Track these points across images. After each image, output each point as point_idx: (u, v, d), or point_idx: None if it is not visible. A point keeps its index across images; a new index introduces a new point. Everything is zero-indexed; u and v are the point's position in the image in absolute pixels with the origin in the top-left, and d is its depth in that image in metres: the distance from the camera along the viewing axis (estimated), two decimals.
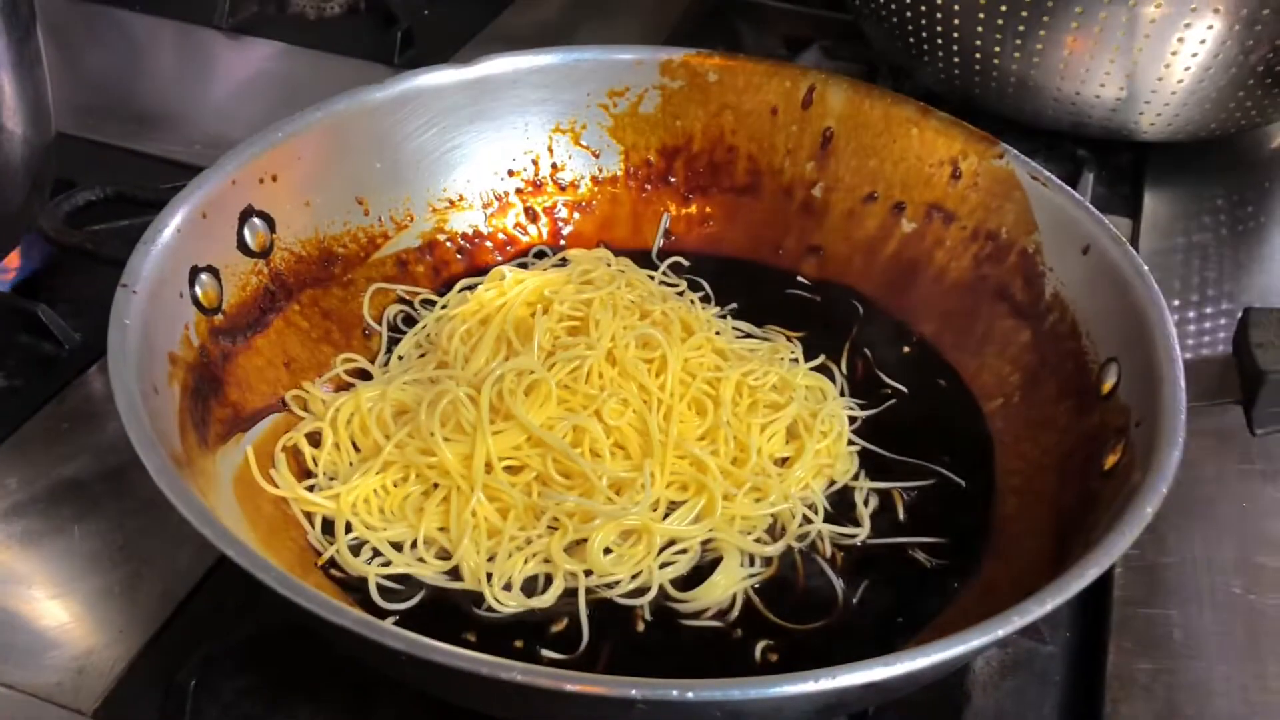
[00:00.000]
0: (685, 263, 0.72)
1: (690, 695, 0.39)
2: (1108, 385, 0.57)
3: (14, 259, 0.71)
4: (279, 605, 0.42)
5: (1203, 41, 0.73)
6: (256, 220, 0.61)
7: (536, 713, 0.45)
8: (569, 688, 0.39)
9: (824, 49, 0.96)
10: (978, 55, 0.79)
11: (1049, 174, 0.65)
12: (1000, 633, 0.43)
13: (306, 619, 0.42)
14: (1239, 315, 0.56)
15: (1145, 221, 0.82)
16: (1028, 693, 0.54)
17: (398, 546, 0.55)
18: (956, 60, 0.80)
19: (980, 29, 0.77)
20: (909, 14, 0.80)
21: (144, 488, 0.56)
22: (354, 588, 0.53)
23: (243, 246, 0.61)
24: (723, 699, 0.40)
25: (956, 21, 0.78)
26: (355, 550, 0.55)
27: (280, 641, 0.52)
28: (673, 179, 0.74)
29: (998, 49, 0.77)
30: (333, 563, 0.54)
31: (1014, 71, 0.78)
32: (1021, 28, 0.75)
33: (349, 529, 0.55)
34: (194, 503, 0.45)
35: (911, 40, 0.82)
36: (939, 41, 0.80)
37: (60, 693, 0.51)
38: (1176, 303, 0.75)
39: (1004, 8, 0.75)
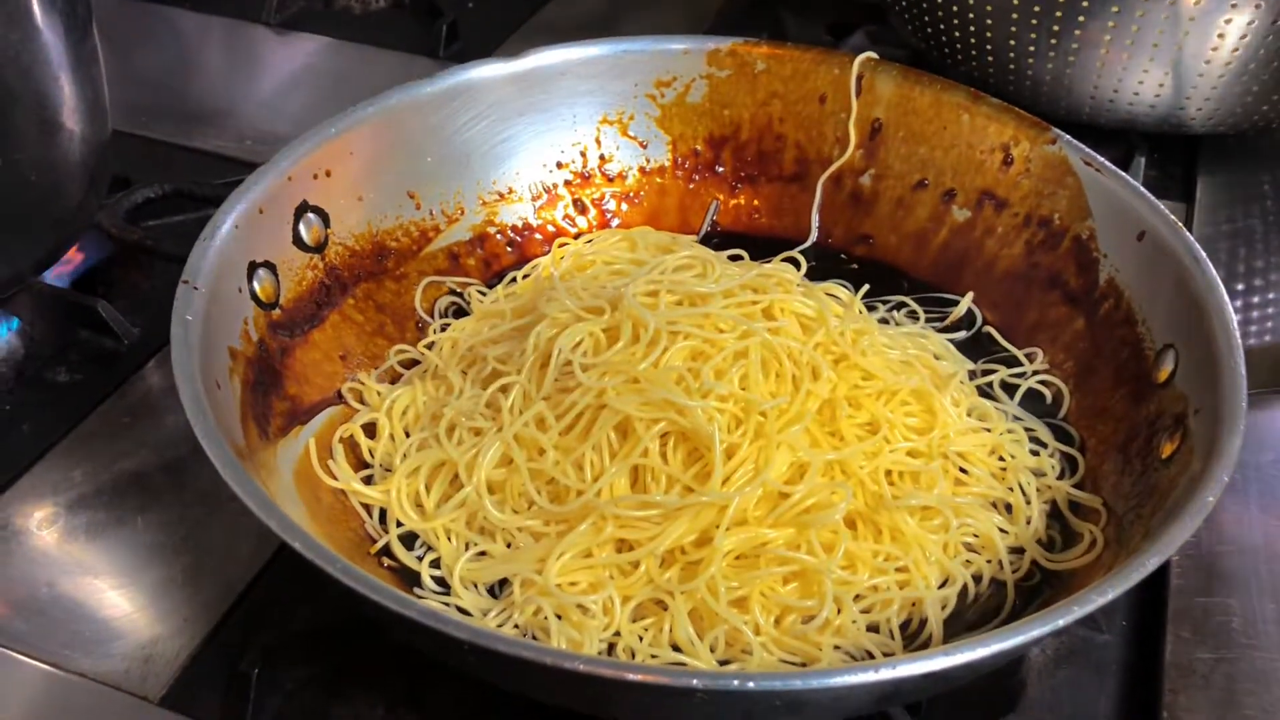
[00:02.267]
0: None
1: (751, 685, 0.40)
2: (1164, 373, 0.57)
3: (73, 253, 0.72)
4: (342, 595, 0.43)
5: (1244, 36, 0.72)
6: (311, 215, 0.62)
7: (598, 702, 0.45)
8: (631, 677, 0.39)
9: (869, 34, 0.95)
10: (1012, 55, 0.78)
11: (1102, 159, 0.64)
12: (1060, 622, 0.43)
13: (370, 608, 0.43)
14: None
15: (1198, 205, 0.81)
16: (1083, 682, 0.54)
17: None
18: (991, 59, 0.79)
19: (1014, 28, 0.76)
20: (940, 14, 0.79)
21: (204, 480, 0.58)
22: (410, 575, 0.54)
23: (298, 241, 0.62)
24: (783, 689, 0.40)
25: (989, 22, 0.77)
26: (408, 542, 0.55)
27: (340, 631, 0.53)
28: (720, 168, 0.74)
29: (1032, 48, 0.77)
30: (388, 551, 0.55)
31: (1049, 71, 0.77)
32: (1056, 27, 0.74)
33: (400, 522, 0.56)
34: (259, 495, 0.45)
35: (944, 39, 0.81)
36: (972, 41, 0.79)
37: (128, 680, 0.52)
38: (1238, 287, 0.74)
39: (1037, 8, 0.74)
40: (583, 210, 0.73)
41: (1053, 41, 0.76)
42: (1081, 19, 0.74)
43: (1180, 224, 0.60)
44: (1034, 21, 0.75)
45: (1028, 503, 0.57)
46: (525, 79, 0.70)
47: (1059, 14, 0.74)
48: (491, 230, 0.70)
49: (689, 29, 0.97)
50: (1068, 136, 0.65)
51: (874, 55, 0.70)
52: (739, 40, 0.72)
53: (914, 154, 0.70)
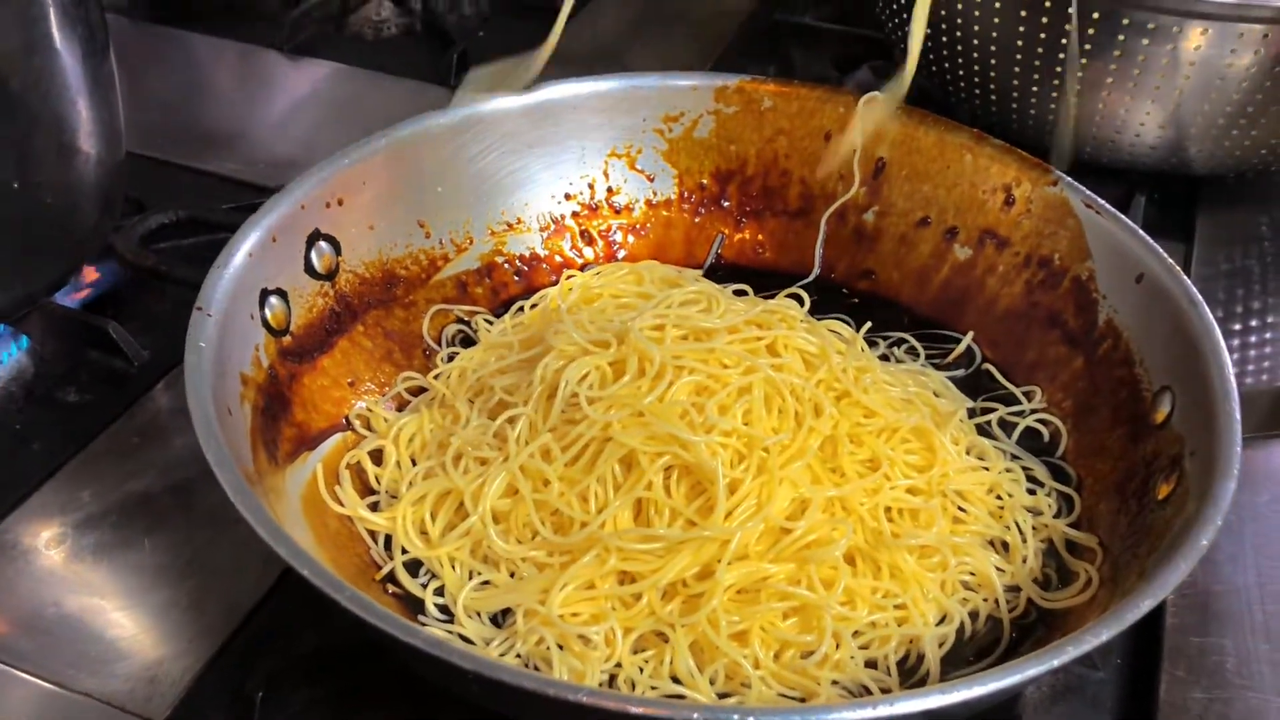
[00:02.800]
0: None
1: (751, 719, 0.40)
2: (1161, 414, 0.57)
3: (91, 275, 0.73)
4: (348, 621, 0.44)
5: (1243, 81, 0.73)
6: (323, 244, 0.63)
7: None
8: (633, 710, 0.40)
9: (874, 69, 0.96)
10: (1015, 95, 0.79)
11: (1103, 202, 0.65)
12: (1055, 662, 0.43)
13: (376, 636, 0.43)
14: None
15: (1197, 246, 0.82)
16: (1079, 719, 0.54)
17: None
18: (994, 99, 0.80)
19: (1017, 69, 0.77)
20: (945, 53, 0.81)
21: (211, 503, 0.58)
22: (414, 602, 0.55)
23: (310, 269, 0.62)
24: None
25: (993, 62, 0.78)
26: (413, 569, 0.56)
27: (345, 656, 0.53)
28: (726, 203, 0.75)
29: (1035, 89, 0.78)
30: (392, 578, 0.56)
31: (1052, 111, 0.78)
32: (1059, 69, 0.76)
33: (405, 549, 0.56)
34: (269, 521, 0.46)
35: (949, 78, 0.82)
36: (976, 80, 0.80)
37: (132, 701, 0.53)
38: (1235, 327, 0.74)
39: (1040, 49, 0.75)
40: (590, 241, 0.74)
41: (1055, 82, 0.77)
42: (1084, 61, 0.75)
43: (1178, 267, 0.60)
44: (1037, 63, 0.76)
45: (1024, 541, 0.58)
46: (535, 112, 0.71)
47: (1061, 55, 0.75)
48: (499, 260, 0.71)
49: (698, 61, 0.99)
50: (1069, 179, 0.66)
51: (879, 94, 0.71)
52: (746, 77, 0.73)
53: (917, 192, 0.71)
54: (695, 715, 0.40)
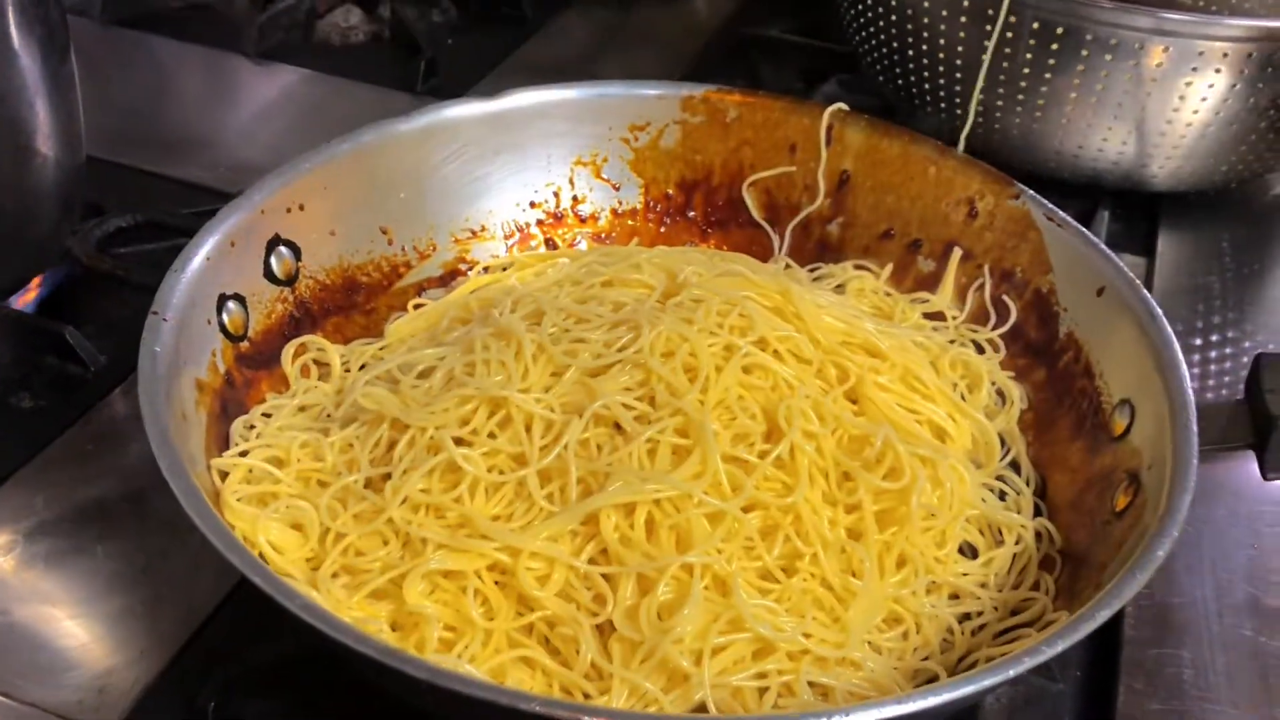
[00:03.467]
0: None
1: None
2: (1120, 426, 0.58)
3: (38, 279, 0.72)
4: (302, 630, 0.43)
5: (1204, 99, 0.74)
6: (283, 249, 0.63)
7: None
8: (586, 719, 0.40)
9: (842, 83, 0.97)
10: (980, 109, 0.79)
11: (1065, 215, 0.65)
12: (1011, 672, 0.43)
13: (329, 645, 0.43)
14: (1248, 358, 0.56)
15: (1159, 261, 0.83)
16: None
17: None
18: (959, 112, 0.80)
19: (981, 82, 0.78)
20: (911, 65, 0.81)
21: (166, 510, 0.57)
22: None
23: (269, 275, 0.62)
24: None
25: (959, 75, 0.78)
26: None
27: (299, 665, 0.53)
28: (692, 213, 0.75)
29: (1000, 103, 0.78)
30: None
31: (1016, 125, 0.79)
32: (1023, 83, 0.76)
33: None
34: (221, 529, 0.45)
35: (915, 91, 0.83)
36: (941, 94, 0.81)
37: (81, 711, 0.52)
38: (1195, 342, 0.75)
39: (1006, 64, 0.76)
40: (554, 249, 0.73)
41: (1020, 98, 0.77)
42: (1048, 76, 0.75)
43: (1138, 281, 0.61)
44: (1002, 77, 0.77)
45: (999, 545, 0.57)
46: (501, 119, 0.71)
47: (1025, 70, 0.76)
48: (463, 267, 0.71)
49: (666, 72, 0.99)
50: (1031, 192, 0.67)
51: (844, 106, 0.72)
52: (712, 88, 0.73)
53: (881, 204, 0.71)
54: None
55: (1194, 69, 0.72)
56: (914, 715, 0.42)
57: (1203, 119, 0.75)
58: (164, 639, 0.55)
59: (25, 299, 0.71)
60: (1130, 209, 0.86)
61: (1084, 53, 0.73)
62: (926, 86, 0.81)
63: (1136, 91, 0.74)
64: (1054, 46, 0.73)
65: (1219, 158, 0.79)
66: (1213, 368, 0.74)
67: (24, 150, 0.64)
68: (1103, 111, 0.76)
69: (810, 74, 0.99)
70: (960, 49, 0.77)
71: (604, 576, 0.50)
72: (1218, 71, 0.73)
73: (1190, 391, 0.54)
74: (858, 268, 0.72)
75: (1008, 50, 0.75)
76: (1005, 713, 0.54)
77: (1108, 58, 0.73)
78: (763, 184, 0.74)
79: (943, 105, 0.81)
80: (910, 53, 0.80)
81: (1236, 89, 0.73)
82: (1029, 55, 0.75)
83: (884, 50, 0.83)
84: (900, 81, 0.83)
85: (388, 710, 0.51)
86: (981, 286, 0.68)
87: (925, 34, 0.78)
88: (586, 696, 0.48)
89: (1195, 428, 0.52)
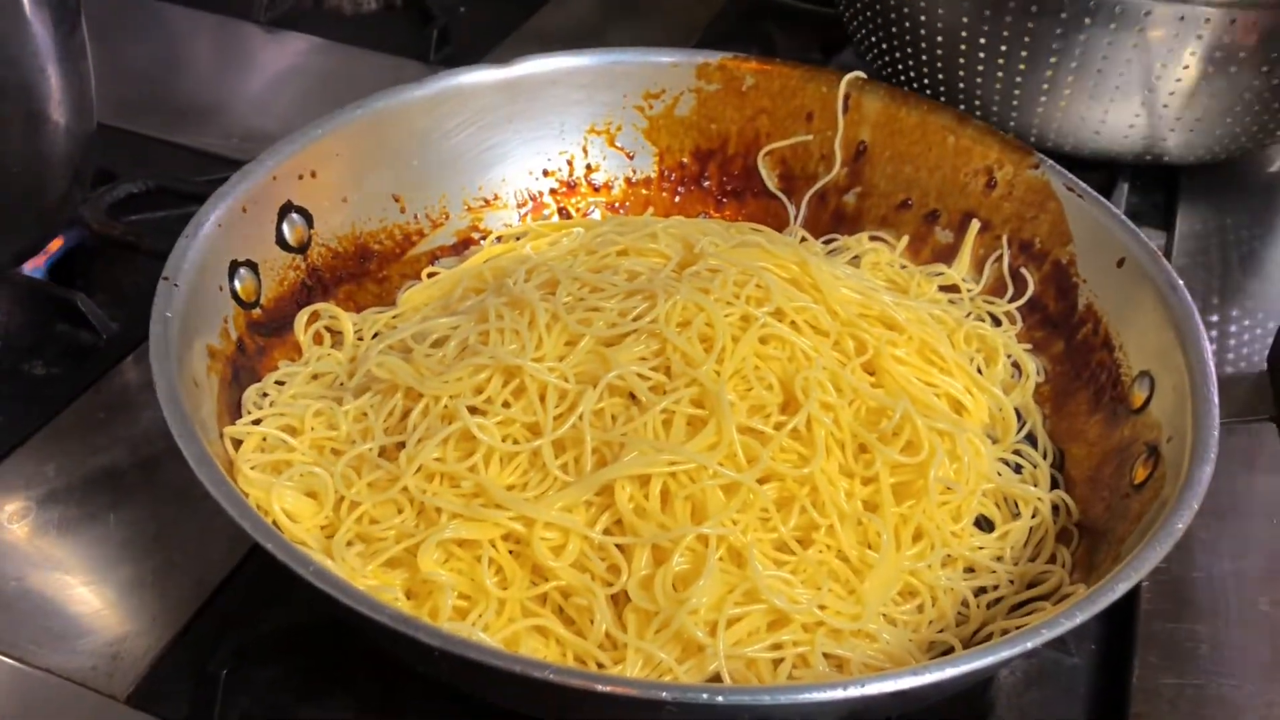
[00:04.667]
0: None
1: (720, 699, 0.40)
2: (1140, 399, 0.57)
3: (54, 244, 0.72)
4: (313, 597, 0.43)
5: (1210, 68, 0.72)
6: (295, 216, 0.62)
7: (568, 711, 0.45)
8: (600, 688, 0.39)
9: (859, 52, 0.95)
10: (979, 94, 0.78)
11: (1085, 185, 0.64)
12: (1029, 644, 0.43)
13: (341, 612, 0.43)
14: (1268, 331, 0.56)
15: (1178, 234, 0.82)
16: (1052, 704, 0.54)
17: None
18: (961, 98, 0.79)
19: (981, 67, 0.76)
20: (910, 49, 0.80)
21: (178, 477, 0.57)
22: None
23: (281, 241, 0.61)
24: (752, 703, 0.40)
25: (962, 60, 0.77)
26: None
27: (311, 632, 0.53)
28: (706, 182, 0.74)
29: (998, 86, 0.77)
30: None
31: (1039, 110, 0.77)
32: (1022, 66, 0.75)
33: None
34: (233, 495, 0.45)
35: (912, 77, 0.82)
36: (940, 78, 0.79)
37: (94, 678, 0.52)
38: (1214, 316, 0.74)
39: (1004, 47, 0.74)
40: (567, 218, 0.73)
41: (1018, 79, 0.76)
42: (1054, 60, 0.74)
43: (1159, 252, 0.60)
44: (1000, 61, 0.75)
45: (1016, 518, 0.57)
46: (514, 86, 0.70)
47: (1024, 53, 0.74)
48: (476, 236, 0.70)
49: (679, 41, 0.98)
50: (1050, 161, 0.66)
51: (862, 75, 0.71)
52: (728, 55, 0.72)
53: (899, 174, 0.71)
54: (664, 694, 0.39)
55: (1198, 36, 0.71)
56: (930, 686, 0.42)
57: (1208, 88, 0.74)
58: (176, 606, 0.55)
59: (36, 263, 0.71)
60: (1149, 182, 0.85)
61: (1086, 21, 0.71)
62: (925, 71, 0.80)
63: (1144, 65, 0.73)
64: (1062, 15, 0.71)
65: (1227, 127, 0.77)
66: (1231, 341, 0.73)
67: (35, 117, 0.63)
68: (1110, 89, 0.74)
69: (827, 43, 0.98)
70: (946, 27, 0.76)
71: (618, 547, 0.49)
72: (1224, 40, 0.71)
73: (1211, 363, 0.54)
74: (873, 239, 0.71)
75: (1007, 20, 0.73)
76: (1020, 686, 0.54)
77: (1112, 26, 0.71)
78: (779, 153, 0.73)
79: (941, 89, 0.80)
80: (894, 30, 0.79)
81: (1242, 57, 0.72)
82: (1030, 25, 0.73)
83: (879, 35, 0.82)
84: (899, 67, 0.81)
85: (401, 678, 0.51)
86: (999, 257, 0.67)
87: (923, 16, 0.77)
88: (600, 666, 0.47)
89: (1216, 399, 0.52)
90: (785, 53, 0.94)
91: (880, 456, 0.53)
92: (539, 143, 0.72)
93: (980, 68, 0.77)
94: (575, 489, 0.50)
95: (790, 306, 0.57)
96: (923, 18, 0.77)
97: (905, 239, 0.70)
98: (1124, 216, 0.63)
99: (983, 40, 0.75)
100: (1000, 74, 0.76)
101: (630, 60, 0.72)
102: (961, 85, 0.79)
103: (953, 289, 0.68)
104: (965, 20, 0.75)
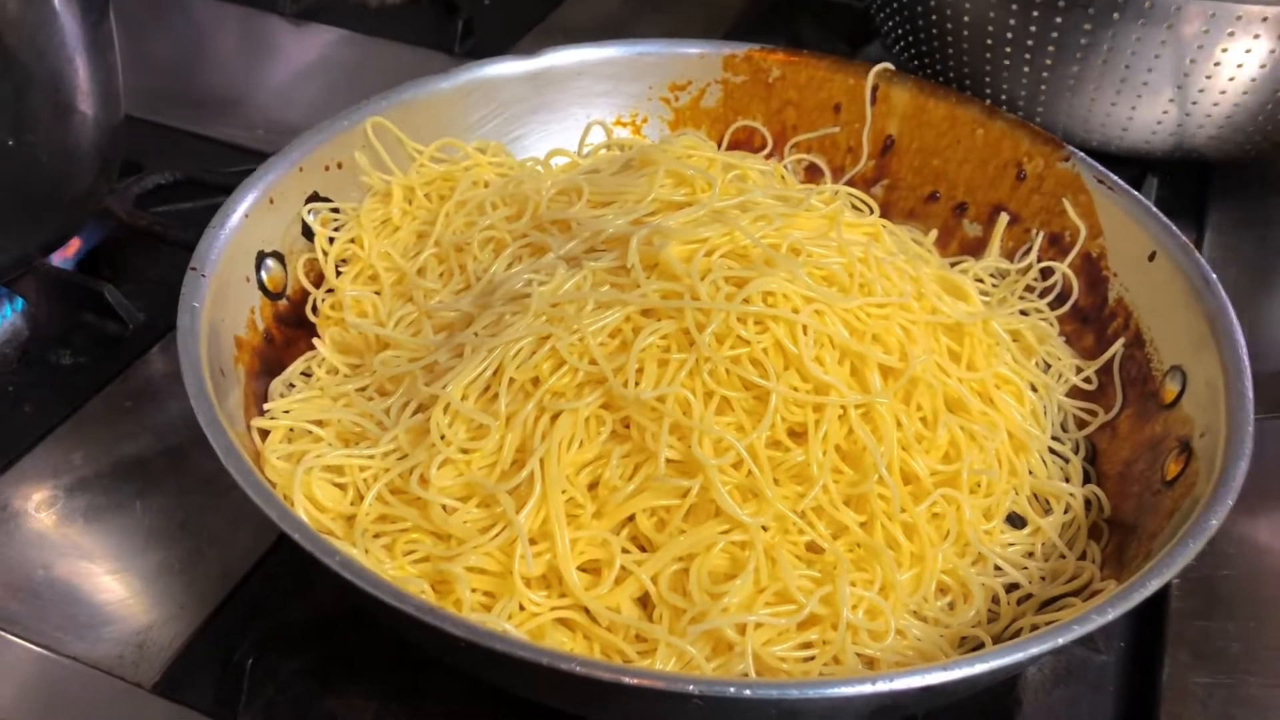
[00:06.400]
0: None
1: (747, 693, 0.39)
2: (1171, 394, 0.56)
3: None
4: (340, 587, 0.43)
5: (1240, 65, 0.72)
6: (321, 207, 0.62)
7: (593, 703, 0.45)
8: (628, 681, 0.39)
9: (886, 45, 0.95)
10: (1005, 88, 0.78)
11: (1115, 178, 0.64)
12: (1060, 640, 0.43)
13: (367, 602, 0.43)
14: None
15: (1209, 228, 0.81)
16: (1080, 702, 0.53)
17: None
18: (989, 93, 0.79)
19: (1007, 61, 0.76)
20: (936, 44, 0.79)
21: (205, 467, 0.58)
22: None
23: (307, 232, 0.61)
24: (779, 697, 0.40)
25: (989, 55, 0.76)
26: None
27: (337, 622, 0.53)
28: None
29: (1025, 81, 0.76)
30: None
31: (1066, 105, 0.77)
32: (1049, 61, 0.74)
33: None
34: (259, 485, 0.45)
35: (938, 70, 0.81)
36: (968, 80, 0.79)
37: (121, 666, 0.52)
38: (1245, 311, 0.73)
39: (1030, 42, 0.74)
40: None
41: (1044, 75, 0.75)
42: (1080, 55, 0.73)
43: (1192, 246, 0.59)
44: (1027, 55, 0.75)
45: (1047, 514, 0.56)
46: (540, 78, 0.70)
47: (1051, 48, 0.74)
48: None
49: (706, 33, 0.97)
50: (1081, 154, 0.65)
51: (890, 66, 0.70)
52: (755, 46, 0.72)
53: (926, 166, 0.70)
54: (690, 688, 0.39)
55: (1230, 33, 0.70)
56: (958, 682, 0.41)
57: (1239, 85, 0.73)
58: (202, 595, 0.55)
59: (65, 254, 0.71)
60: (1179, 177, 0.84)
61: (1115, 16, 0.71)
62: (951, 68, 0.79)
63: (1177, 61, 0.72)
64: (1090, 11, 0.71)
65: (1259, 125, 0.76)
66: (1264, 337, 0.72)
67: (63, 107, 0.64)
68: (1142, 86, 0.74)
69: (854, 35, 0.97)
70: (973, 21, 0.75)
71: (641, 548, 0.49)
72: (1256, 37, 0.70)
73: (1246, 358, 0.53)
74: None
75: (1032, 27, 0.73)
76: (1049, 683, 0.54)
77: (1140, 22, 0.71)
78: (806, 145, 0.73)
79: (967, 85, 0.79)
80: (935, 31, 0.78)
81: (1275, 54, 0.71)
82: (1057, 19, 0.72)
83: (906, 27, 0.81)
84: (926, 63, 0.81)
85: (424, 668, 0.51)
86: (1029, 250, 0.67)
87: (949, 9, 0.76)
88: (627, 661, 0.47)
89: (1250, 394, 0.51)
90: (812, 44, 0.94)
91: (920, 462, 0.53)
92: (565, 134, 0.71)
93: (1007, 62, 0.76)
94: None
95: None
96: (949, 11, 0.77)
97: (934, 232, 0.70)
98: (1156, 209, 0.62)
99: (1009, 34, 0.75)
100: (1027, 69, 0.76)
101: (656, 51, 0.72)
102: (988, 79, 0.78)
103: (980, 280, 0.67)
104: (992, 14, 0.75)
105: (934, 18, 0.78)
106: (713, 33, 0.98)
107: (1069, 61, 0.74)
